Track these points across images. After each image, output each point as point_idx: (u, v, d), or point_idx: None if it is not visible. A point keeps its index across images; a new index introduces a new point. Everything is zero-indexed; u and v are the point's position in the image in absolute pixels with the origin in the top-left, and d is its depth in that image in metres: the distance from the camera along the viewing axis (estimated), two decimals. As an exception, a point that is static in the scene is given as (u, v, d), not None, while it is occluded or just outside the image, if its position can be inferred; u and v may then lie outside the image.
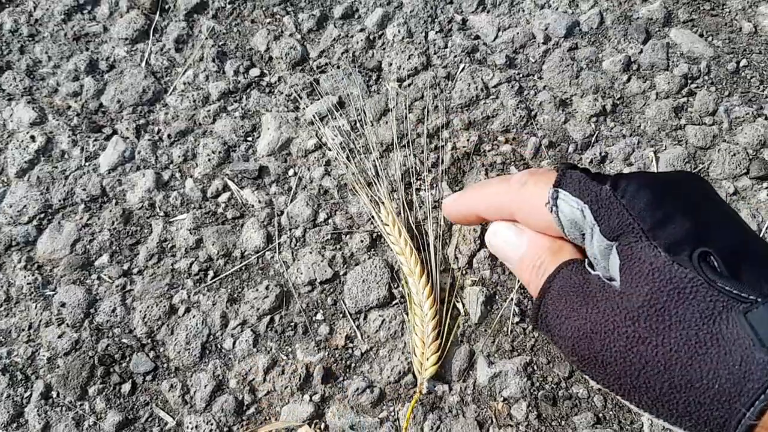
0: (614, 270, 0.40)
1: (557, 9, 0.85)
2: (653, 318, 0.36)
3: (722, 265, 0.34)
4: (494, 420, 0.65)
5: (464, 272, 0.71)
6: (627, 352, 0.36)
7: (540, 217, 0.45)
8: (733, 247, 0.36)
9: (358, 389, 0.66)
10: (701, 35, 0.85)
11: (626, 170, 0.76)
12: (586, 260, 0.44)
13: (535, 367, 0.67)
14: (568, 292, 0.42)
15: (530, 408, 0.65)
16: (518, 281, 0.70)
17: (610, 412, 0.65)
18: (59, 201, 0.73)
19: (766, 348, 0.31)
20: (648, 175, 0.41)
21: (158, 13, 0.84)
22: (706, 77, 0.82)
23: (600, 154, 0.76)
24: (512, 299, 0.69)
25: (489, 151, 0.77)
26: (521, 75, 0.81)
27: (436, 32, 0.84)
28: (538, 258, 0.46)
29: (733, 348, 0.32)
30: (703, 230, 0.37)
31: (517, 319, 0.69)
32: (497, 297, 0.70)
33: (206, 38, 0.83)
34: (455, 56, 0.82)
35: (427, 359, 0.66)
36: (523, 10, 0.85)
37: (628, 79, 0.81)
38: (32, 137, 0.75)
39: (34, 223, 0.72)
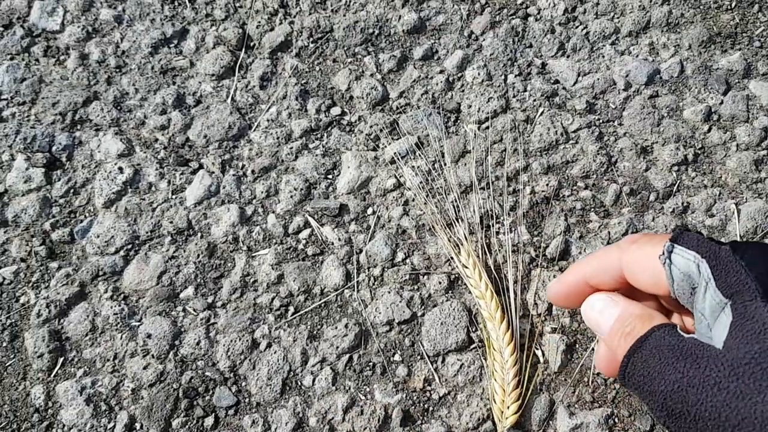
0: (720, 328, 0.40)
1: (637, 56, 0.85)
2: (759, 374, 0.36)
3: None
4: (575, 472, 0.64)
5: (544, 319, 0.71)
6: (724, 407, 0.36)
7: (649, 273, 0.46)
8: None
9: (436, 433, 0.66)
10: (782, 85, 0.85)
11: (708, 221, 0.75)
12: (678, 326, 0.45)
13: (617, 420, 0.66)
14: (662, 349, 0.42)
15: (612, 461, 0.64)
16: (600, 331, 0.70)
17: (693, 469, 0.64)
18: (146, 233, 0.75)
19: None
20: (766, 245, 0.42)
21: (243, 50, 0.86)
22: (787, 128, 0.81)
23: (682, 204, 0.76)
24: (593, 349, 0.69)
25: (568, 196, 0.77)
26: (601, 121, 0.82)
27: (516, 75, 0.84)
28: (628, 324, 0.47)
29: None
30: None
31: (598, 370, 0.68)
32: (577, 346, 0.69)
33: (289, 76, 0.85)
34: (534, 100, 0.83)
35: (508, 407, 0.65)
36: (603, 56, 0.86)
37: (709, 129, 0.81)
38: (120, 168, 0.77)
39: (122, 253, 0.73)
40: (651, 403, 0.42)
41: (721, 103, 0.83)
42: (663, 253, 0.45)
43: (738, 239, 0.74)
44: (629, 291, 0.49)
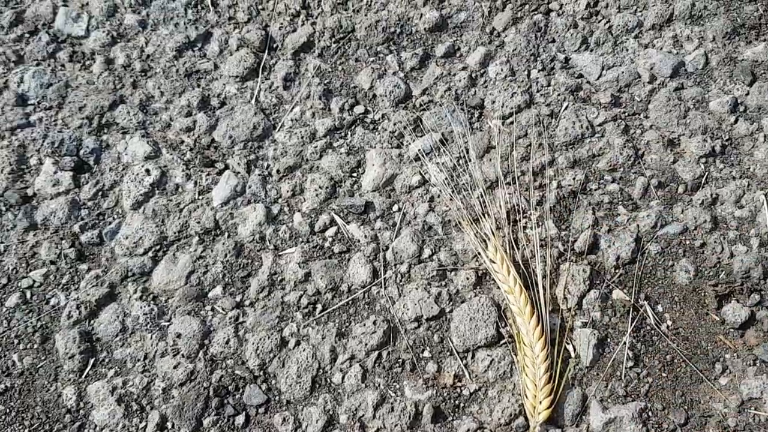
0: None
1: (661, 49, 0.85)
2: None
3: None
4: (610, 466, 0.63)
5: (574, 313, 0.70)
6: None
7: None
8: None
9: (468, 430, 0.65)
10: (809, 75, 0.84)
11: (737, 213, 0.74)
12: None
13: (650, 414, 0.65)
14: None
15: (647, 455, 0.64)
16: (631, 325, 0.69)
17: (730, 463, 0.63)
18: (174, 233, 0.75)
19: None
20: None
21: (266, 51, 0.86)
22: (815, 118, 0.81)
23: (711, 195, 0.75)
24: (625, 342, 0.68)
25: (595, 190, 0.76)
26: (627, 114, 0.81)
27: (539, 71, 0.84)
28: None
29: None
30: None
31: (630, 364, 0.67)
32: (609, 340, 0.69)
33: (312, 76, 0.85)
34: (558, 94, 0.82)
35: (540, 402, 0.65)
36: (627, 50, 0.85)
37: (736, 121, 0.80)
38: (147, 171, 0.78)
39: (150, 254, 0.74)
40: None
41: (747, 94, 0.82)
42: None
43: (769, 231, 0.73)
44: None
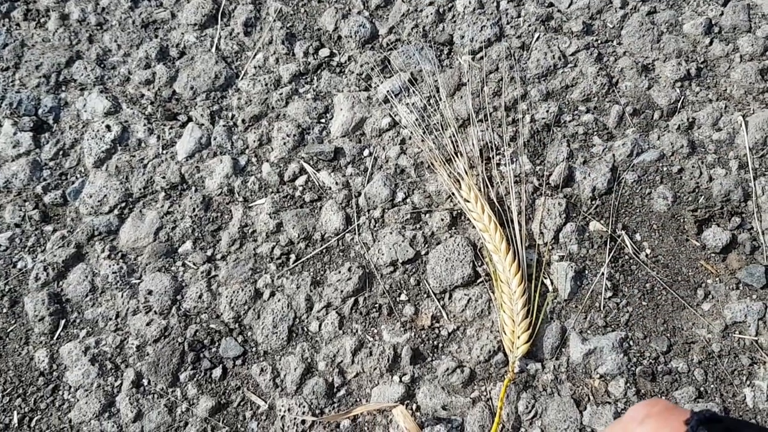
0: None
1: (633, -28, 0.82)
2: None
3: None
4: (591, 398, 0.63)
5: (551, 247, 0.69)
6: None
7: None
8: None
9: (447, 369, 0.64)
10: (787, -8, 0.81)
11: (715, 135, 0.73)
12: None
13: (631, 343, 0.65)
14: None
15: (628, 384, 0.63)
16: (609, 255, 0.68)
17: (712, 386, 0.63)
18: (139, 190, 0.73)
19: None
20: None
21: (225, -4, 0.83)
22: (794, 36, 0.78)
23: (687, 120, 0.73)
24: (603, 273, 0.67)
25: (570, 121, 0.74)
26: (599, 41, 0.79)
27: (508, 1, 0.81)
28: None
29: None
30: None
31: (609, 294, 0.66)
32: (587, 272, 0.68)
33: (274, 20, 0.82)
34: (529, 25, 0.80)
35: (518, 337, 0.64)
36: (598, -25, 0.82)
37: (711, 42, 0.78)
38: (107, 127, 0.76)
39: (116, 212, 0.72)
40: None
41: (721, 14, 0.79)
42: None
43: (748, 155, 0.72)
44: None
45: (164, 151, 0.75)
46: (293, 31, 0.81)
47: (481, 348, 0.65)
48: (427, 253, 0.69)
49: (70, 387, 0.65)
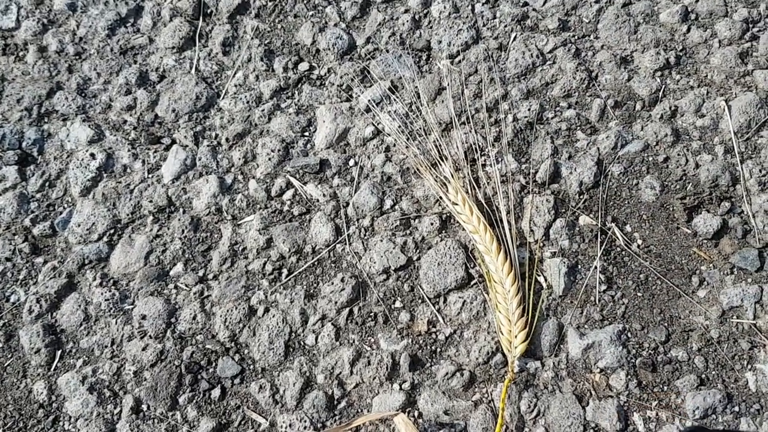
0: None
1: (605, -35, 0.82)
2: None
3: None
4: (593, 392, 0.62)
5: (542, 244, 0.69)
6: None
7: None
8: None
9: (447, 374, 0.64)
10: (759, -25, 0.81)
11: (699, 122, 0.73)
12: None
13: (629, 335, 0.64)
14: None
15: (629, 377, 0.63)
16: (600, 248, 0.68)
17: (713, 372, 0.63)
18: (127, 215, 0.73)
19: None
20: None
21: (201, 18, 0.83)
22: (767, 20, 0.79)
23: (670, 108, 0.74)
24: (596, 267, 0.67)
25: (552, 118, 0.74)
26: (576, 37, 0.79)
27: (483, 3, 0.82)
28: None
29: None
30: None
31: (603, 287, 0.66)
32: (580, 266, 0.67)
33: (252, 38, 0.82)
34: (505, 26, 0.80)
35: (515, 337, 0.64)
36: (570, -29, 0.83)
37: (688, 30, 0.78)
38: (92, 155, 0.76)
39: (105, 239, 0.72)
40: None
41: (697, 1, 0.80)
42: None
43: (733, 139, 0.72)
44: None
45: (150, 175, 0.75)
46: (271, 48, 0.82)
47: (479, 350, 0.65)
48: (419, 259, 0.69)
49: (70, 417, 0.64)
